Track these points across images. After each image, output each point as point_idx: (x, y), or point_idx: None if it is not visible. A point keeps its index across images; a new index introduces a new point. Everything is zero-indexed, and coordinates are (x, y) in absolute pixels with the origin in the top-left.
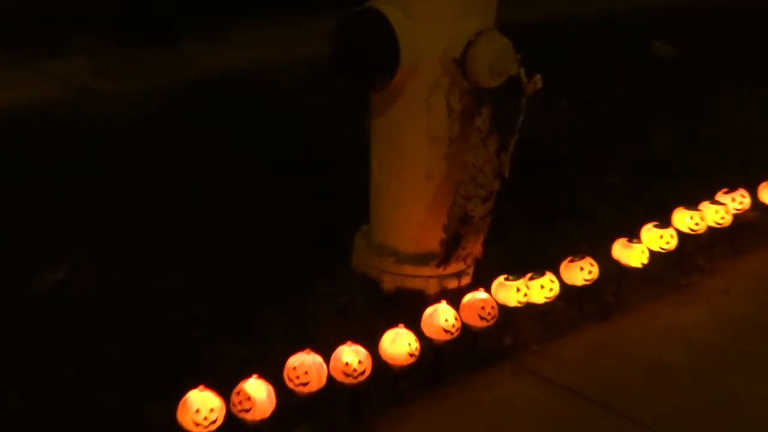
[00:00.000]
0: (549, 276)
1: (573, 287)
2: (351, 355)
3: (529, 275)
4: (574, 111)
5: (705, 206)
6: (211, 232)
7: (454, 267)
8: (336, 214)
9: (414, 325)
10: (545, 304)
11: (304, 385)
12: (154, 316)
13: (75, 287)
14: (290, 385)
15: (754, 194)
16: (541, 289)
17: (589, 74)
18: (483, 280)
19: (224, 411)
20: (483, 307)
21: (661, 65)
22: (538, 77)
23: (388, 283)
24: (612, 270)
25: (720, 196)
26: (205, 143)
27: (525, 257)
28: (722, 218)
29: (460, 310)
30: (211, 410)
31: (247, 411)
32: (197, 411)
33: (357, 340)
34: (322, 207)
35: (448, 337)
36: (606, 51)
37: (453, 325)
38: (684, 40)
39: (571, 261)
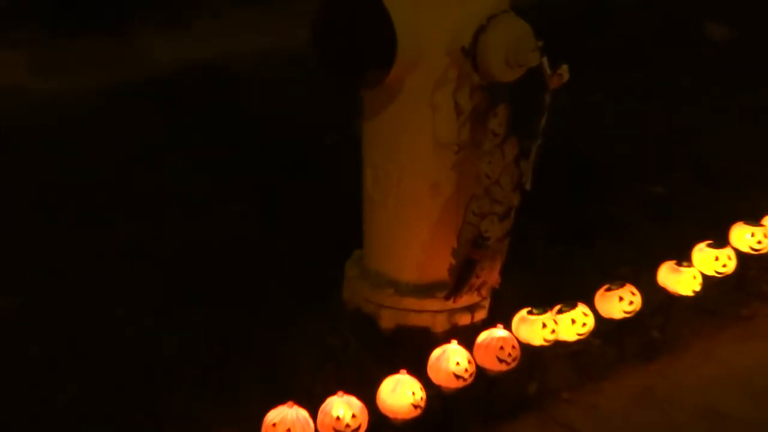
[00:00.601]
0: (582, 308)
1: (611, 321)
2: (343, 408)
3: (557, 308)
4: (609, 106)
5: None
6: (172, 259)
7: (466, 299)
8: (322, 237)
9: (419, 371)
10: (578, 342)
11: None
12: (104, 363)
13: (10, 324)
14: None
15: None
16: (572, 325)
17: (627, 61)
18: (502, 315)
19: None
20: (502, 347)
21: (714, 49)
22: (564, 68)
23: (387, 320)
24: (658, 299)
25: None
26: (162, 151)
27: (552, 286)
28: None
29: (474, 351)
30: None
31: None
32: None
33: (350, 390)
34: (304, 229)
35: (460, 384)
36: (647, 33)
37: (466, 370)
38: (741, 20)
39: (609, 289)
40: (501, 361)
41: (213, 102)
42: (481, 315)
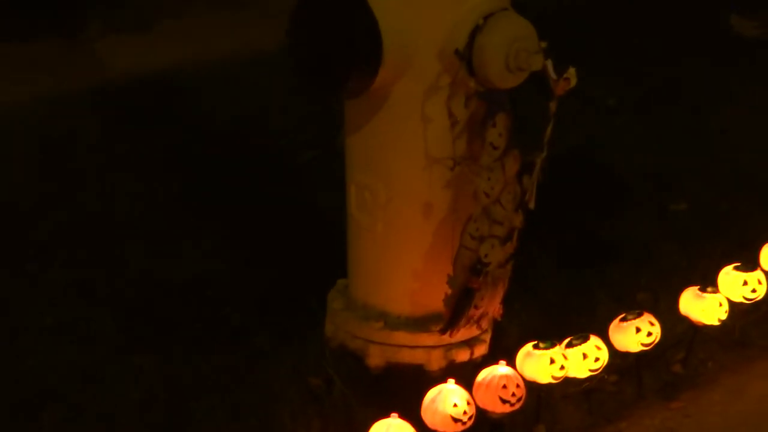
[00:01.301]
0: (594, 341)
1: (627, 355)
2: None
3: (567, 341)
4: (626, 113)
5: None
6: (131, 294)
7: (464, 333)
8: (301, 265)
9: (412, 414)
10: (590, 378)
11: None
12: (58, 411)
13: None
14: None
15: None
16: (583, 360)
17: (645, 62)
18: (505, 350)
19: None
20: (505, 386)
21: (743, 47)
22: (572, 72)
23: (376, 357)
24: (680, 330)
25: None
26: (117, 171)
27: (561, 316)
28: None
29: (474, 391)
30: None
31: None
32: None
33: None
34: (281, 257)
35: (459, 428)
36: (668, 29)
37: (465, 412)
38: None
39: (624, 320)
40: (504, 401)
41: (175, 114)
42: (481, 350)
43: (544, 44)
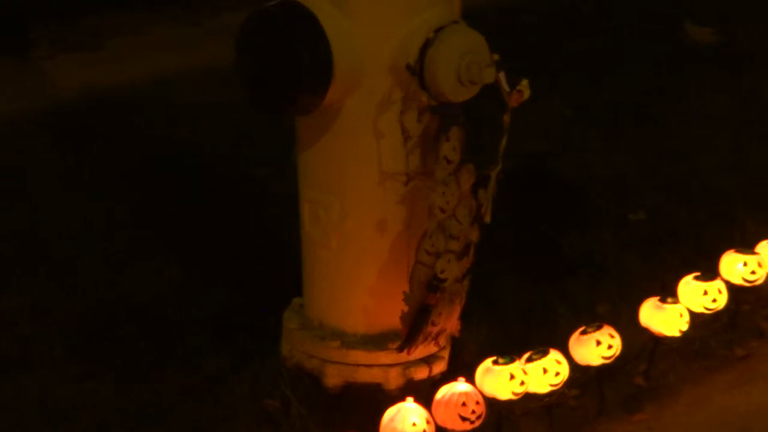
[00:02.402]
0: (554, 355)
1: (588, 369)
2: None
3: (526, 355)
4: (583, 123)
5: (765, 247)
6: (84, 317)
7: (422, 350)
8: (255, 284)
9: None
10: (551, 394)
11: None
12: None
13: None
14: None
15: None
16: (543, 374)
17: (602, 71)
18: (464, 366)
19: None
20: (464, 404)
21: (698, 55)
22: (524, 84)
23: (333, 377)
24: (641, 342)
25: None
26: (70, 191)
27: (520, 330)
28: None
29: (433, 409)
30: None
31: None
32: None
33: None
34: (234, 275)
35: None
36: (623, 38)
37: (424, 431)
38: (726, 22)
39: (585, 332)
40: (464, 419)
41: (128, 132)
42: (439, 367)
43: (496, 57)
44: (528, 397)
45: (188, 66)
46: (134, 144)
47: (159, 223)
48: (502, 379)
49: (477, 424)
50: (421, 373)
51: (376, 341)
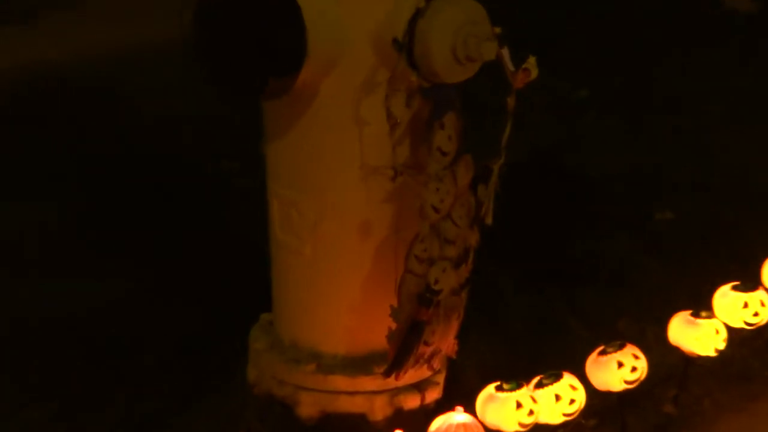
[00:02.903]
0: (568, 379)
1: (609, 395)
2: None
3: (535, 380)
4: (599, 108)
5: None
6: (23, 337)
7: (413, 375)
8: (216, 298)
9: None
10: (565, 424)
11: None
12: None
13: None
14: None
15: None
16: (556, 402)
17: (621, 45)
18: (462, 394)
19: None
20: None
21: (737, 26)
22: (532, 61)
23: (309, 407)
24: (670, 363)
25: None
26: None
27: (528, 351)
28: None
29: None
30: None
31: None
32: None
33: None
34: (196, 288)
35: None
36: (648, 4)
37: None
38: None
39: (604, 353)
40: None
41: (68, 117)
42: (434, 394)
43: (498, 29)
44: (538, 429)
45: (134, 42)
46: (75, 130)
47: (102, 227)
48: (508, 408)
49: None
50: (412, 402)
51: (359, 364)
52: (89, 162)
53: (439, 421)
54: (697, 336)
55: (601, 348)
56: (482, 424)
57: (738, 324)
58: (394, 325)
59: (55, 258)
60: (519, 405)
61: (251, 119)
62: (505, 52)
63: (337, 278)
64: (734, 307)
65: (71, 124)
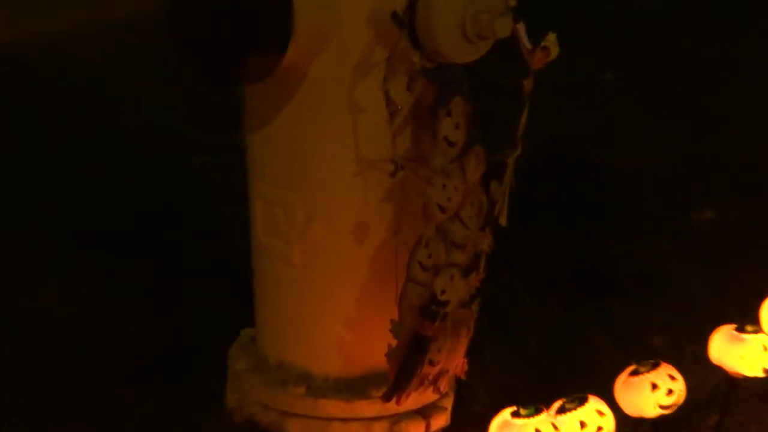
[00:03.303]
0: (595, 404)
1: (642, 421)
2: None
3: (557, 404)
4: (628, 92)
5: None
6: None
7: (416, 398)
8: (189, 310)
9: None
10: None
11: None
12: None
13: None
14: None
15: None
16: (581, 430)
17: (653, 19)
18: (473, 420)
19: None
20: None
21: None
22: (551, 38)
23: None
24: (711, 384)
25: None
26: None
27: (548, 371)
28: None
29: None
30: None
31: None
32: None
33: None
34: (167, 300)
35: None
36: None
37: None
38: None
39: (636, 373)
40: None
41: (15, 102)
42: (440, 421)
43: (513, 2)
44: None
45: (97, 16)
46: (26, 118)
47: (58, 230)
48: None
49: None
50: (415, 430)
51: (355, 387)
52: (44, 154)
53: None
54: (742, 354)
55: (632, 367)
56: None
57: None
58: (394, 342)
59: (11, 263)
60: None
61: (227, 107)
62: (521, 29)
63: (330, 288)
64: None
65: (22, 107)
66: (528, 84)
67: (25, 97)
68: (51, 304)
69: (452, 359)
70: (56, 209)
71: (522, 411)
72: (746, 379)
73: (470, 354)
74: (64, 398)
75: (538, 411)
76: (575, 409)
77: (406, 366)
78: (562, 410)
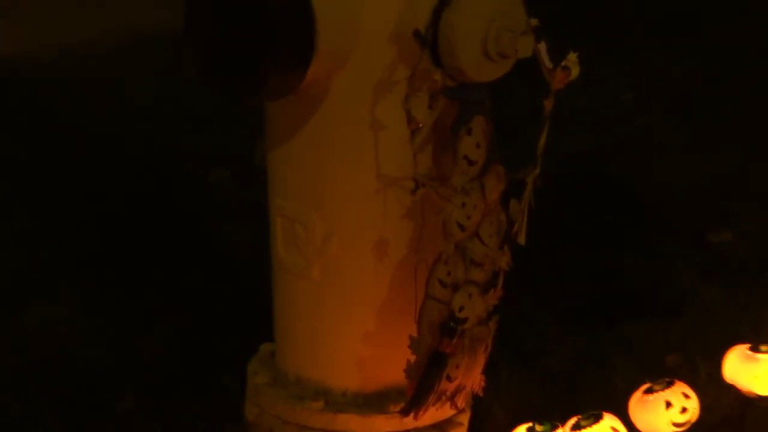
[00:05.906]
0: (610, 421)
1: None
2: None
3: (572, 421)
4: (648, 112)
5: None
6: None
7: (434, 414)
8: (211, 326)
9: None
10: None
11: None
12: None
13: None
14: None
15: None
16: None
17: (675, 35)
18: None
19: None
20: None
21: None
22: (572, 58)
23: None
24: (726, 404)
25: None
26: None
27: (564, 388)
28: None
29: None
30: None
31: None
32: None
33: None
34: (183, 315)
35: None
36: None
37: None
38: None
39: (650, 391)
40: None
41: (27, 117)
42: None
43: (535, 22)
44: None
45: (113, 29)
46: (35, 131)
47: (64, 244)
48: None
49: None
50: None
51: (373, 402)
52: (55, 168)
53: None
54: (756, 373)
55: (647, 386)
56: None
57: None
58: (413, 358)
59: (13, 277)
60: None
61: (246, 123)
62: (543, 48)
63: (349, 304)
64: None
65: (32, 121)
66: (548, 103)
67: (41, 107)
68: (61, 320)
69: (470, 375)
70: (59, 225)
71: (538, 428)
72: (760, 398)
73: (487, 371)
74: (60, 424)
75: (553, 428)
76: (590, 426)
77: (424, 382)
78: (577, 427)
